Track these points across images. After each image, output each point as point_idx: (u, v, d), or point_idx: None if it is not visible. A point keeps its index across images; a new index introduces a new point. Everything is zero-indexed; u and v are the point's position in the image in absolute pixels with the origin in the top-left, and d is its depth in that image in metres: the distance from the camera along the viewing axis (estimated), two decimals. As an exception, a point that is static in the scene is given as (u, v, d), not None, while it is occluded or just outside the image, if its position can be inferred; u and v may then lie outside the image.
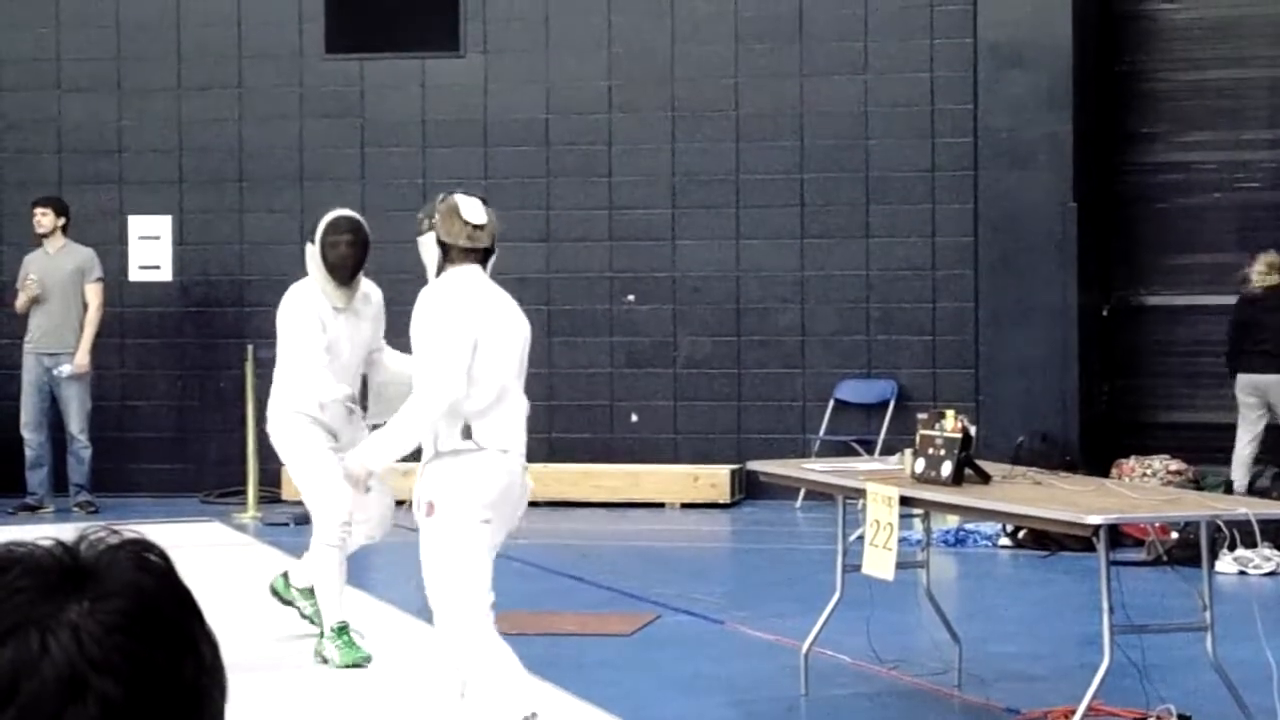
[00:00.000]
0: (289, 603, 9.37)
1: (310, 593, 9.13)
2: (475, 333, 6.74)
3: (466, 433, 6.75)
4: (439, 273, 6.89)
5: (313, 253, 8.85)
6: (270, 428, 9.02)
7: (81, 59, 15.83)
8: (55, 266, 14.56)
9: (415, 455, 7.06)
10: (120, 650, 1.41)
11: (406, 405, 6.87)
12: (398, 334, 8.08)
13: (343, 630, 8.82)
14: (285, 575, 9.43)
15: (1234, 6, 14.71)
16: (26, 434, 14.60)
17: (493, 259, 6.99)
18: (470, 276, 6.87)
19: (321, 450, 8.76)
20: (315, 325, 8.70)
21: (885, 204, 14.87)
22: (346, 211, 9.12)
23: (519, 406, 6.92)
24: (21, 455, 14.63)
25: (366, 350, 8.94)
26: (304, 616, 9.27)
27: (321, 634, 8.94)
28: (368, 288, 9.02)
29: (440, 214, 6.89)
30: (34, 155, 15.90)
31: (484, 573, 6.72)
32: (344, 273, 8.81)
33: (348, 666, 8.76)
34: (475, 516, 6.68)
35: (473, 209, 6.92)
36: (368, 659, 8.81)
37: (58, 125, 15.90)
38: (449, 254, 6.87)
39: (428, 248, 6.92)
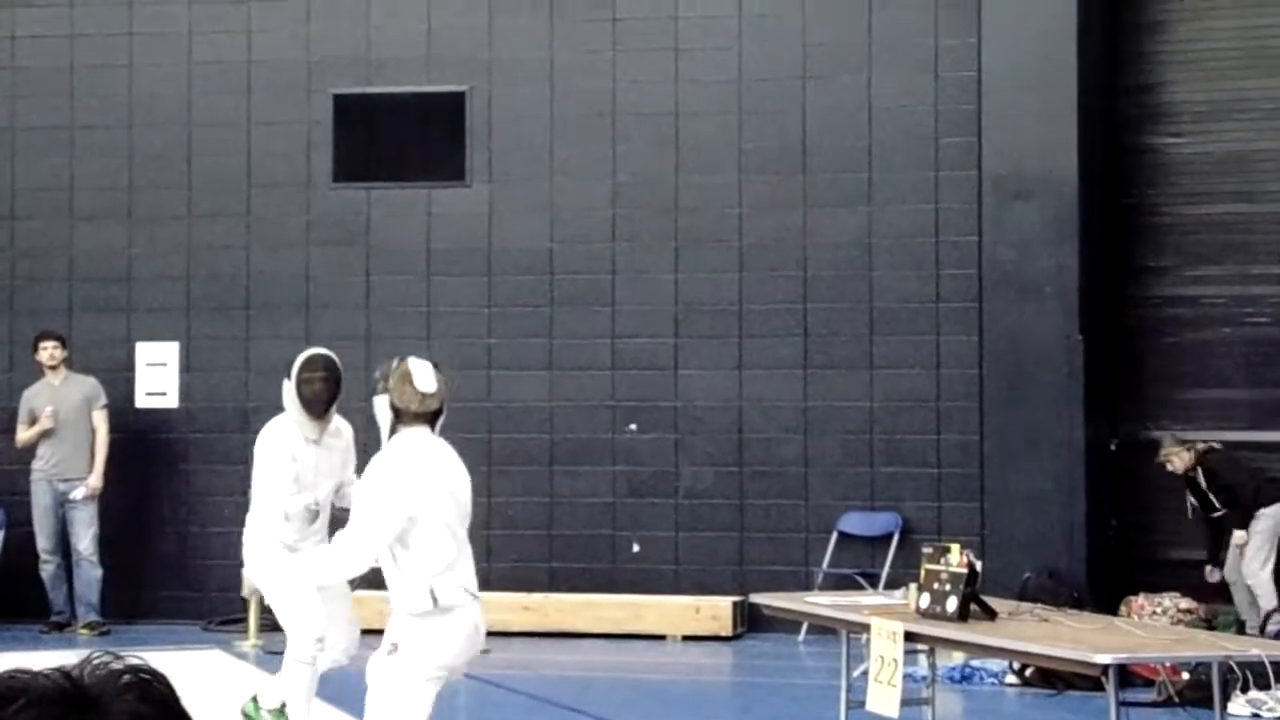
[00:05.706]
0: None
1: (280, 712, 9.46)
2: (417, 505, 7.15)
3: (433, 598, 7.14)
4: (391, 433, 7.36)
5: (289, 388, 9.44)
6: (245, 554, 9.53)
7: (94, 188, 15.91)
8: (63, 397, 15.07)
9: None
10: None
11: (335, 542, 7.38)
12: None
13: None
14: (255, 698, 9.71)
15: (1242, 140, 14.75)
16: (45, 555, 14.97)
17: (442, 419, 7.45)
18: (419, 440, 7.32)
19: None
20: (285, 458, 9.28)
21: (889, 335, 14.84)
22: (321, 350, 9.77)
23: (469, 553, 7.37)
24: (37, 579, 14.92)
25: (335, 481, 9.45)
26: None
27: None
28: (339, 423, 9.58)
29: (394, 379, 7.37)
30: (45, 283, 15.95)
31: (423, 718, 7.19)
32: (318, 407, 9.40)
33: None
34: (431, 675, 7.14)
35: (424, 377, 7.36)
36: None
37: (69, 253, 15.96)
38: (401, 417, 7.34)
39: (381, 409, 7.39)
